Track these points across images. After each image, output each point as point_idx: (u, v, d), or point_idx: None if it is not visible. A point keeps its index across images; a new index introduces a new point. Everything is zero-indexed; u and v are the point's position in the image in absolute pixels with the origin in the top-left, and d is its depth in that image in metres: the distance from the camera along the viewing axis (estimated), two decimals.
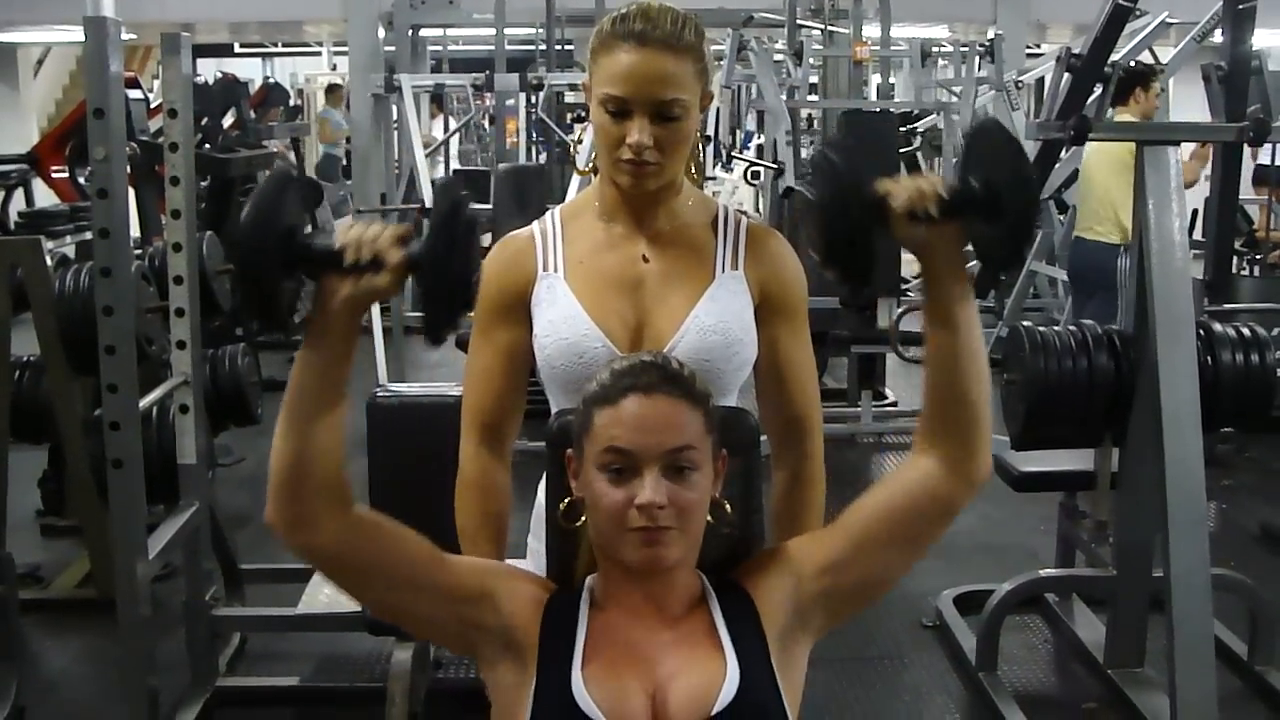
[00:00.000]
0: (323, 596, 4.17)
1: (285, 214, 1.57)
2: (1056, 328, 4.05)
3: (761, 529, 2.00)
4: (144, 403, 3.38)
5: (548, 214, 2.13)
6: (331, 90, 13.87)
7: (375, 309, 7.28)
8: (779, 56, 9.57)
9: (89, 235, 4.52)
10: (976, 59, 8.31)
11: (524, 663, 1.73)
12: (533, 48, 12.01)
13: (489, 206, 7.82)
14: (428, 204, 8.09)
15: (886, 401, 7.61)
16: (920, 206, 1.64)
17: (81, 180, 8.61)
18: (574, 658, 1.69)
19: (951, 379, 1.73)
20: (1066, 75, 4.05)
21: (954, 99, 8.49)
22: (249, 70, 17.36)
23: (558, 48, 10.21)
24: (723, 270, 2.05)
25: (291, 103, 14.23)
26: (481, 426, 2.10)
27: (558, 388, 2.04)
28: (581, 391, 1.79)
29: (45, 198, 10.09)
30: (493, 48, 9.67)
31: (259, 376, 4.80)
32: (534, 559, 2.12)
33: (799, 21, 8.58)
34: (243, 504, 5.84)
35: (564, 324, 2.01)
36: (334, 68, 17.36)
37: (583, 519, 1.79)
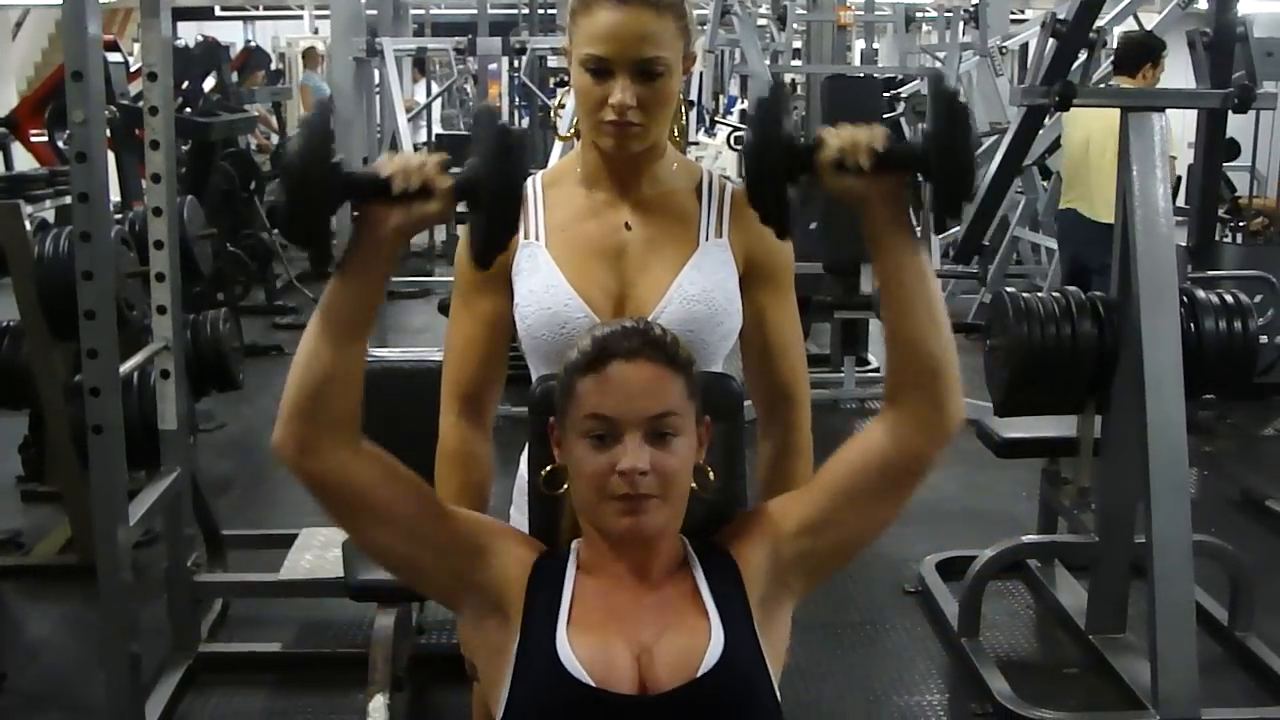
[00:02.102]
0: (305, 562, 4.17)
1: (332, 146, 1.56)
2: (1040, 294, 4.05)
3: (744, 495, 1.98)
4: (124, 368, 3.36)
5: (528, 180, 2.09)
6: (309, 54, 13.76)
7: None
8: (762, 21, 9.53)
9: (68, 200, 4.49)
10: (961, 24, 8.27)
11: (509, 622, 1.72)
12: (515, 11, 11.94)
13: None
14: None
15: (869, 367, 7.61)
16: (851, 158, 1.61)
17: (60, 144, 8.53)
18: (559, 618, 1.69)
19: (909, 333, 1.70)
20: (1051, 41, 4.02)
21: (938, 65, 8.47)
22: (230, 34, 17.24)
23: (540, 12, 10.15)
24: (707, 238, 2.03)
25: (273, 67, 14.13)
26: (462, 396, 2.09)
27: (539, 357, 2.02)
28: (563, 358, 1.77)
29: (24, 161, 10.02)
30: (475, 11, 9.61)
31: (240, 342, 4.78)
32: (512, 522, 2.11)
33: None
34: (225, 470, 5.84)
35: (545, 293, 1.99)
36: (315, 31, 17.25)
37: (565, 486, 1.78)
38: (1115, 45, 6.62)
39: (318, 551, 4.23)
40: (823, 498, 1.79)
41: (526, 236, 2.03)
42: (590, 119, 1.95)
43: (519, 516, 2.08)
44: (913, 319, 1.70)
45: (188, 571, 3.98)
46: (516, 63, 9.06)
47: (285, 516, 5.22)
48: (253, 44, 15.05)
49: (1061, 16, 4.05)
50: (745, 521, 1.85)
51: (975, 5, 8.19)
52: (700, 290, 1.99)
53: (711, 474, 1.81)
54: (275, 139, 11.29)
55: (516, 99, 10.18)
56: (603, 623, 1.70)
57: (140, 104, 3.97)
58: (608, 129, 1.93)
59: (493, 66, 9.22)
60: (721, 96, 11.96)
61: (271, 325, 8.91)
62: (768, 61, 7.82)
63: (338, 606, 4.20)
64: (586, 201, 2.05)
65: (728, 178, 2.13)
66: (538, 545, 1.84)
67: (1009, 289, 4.20)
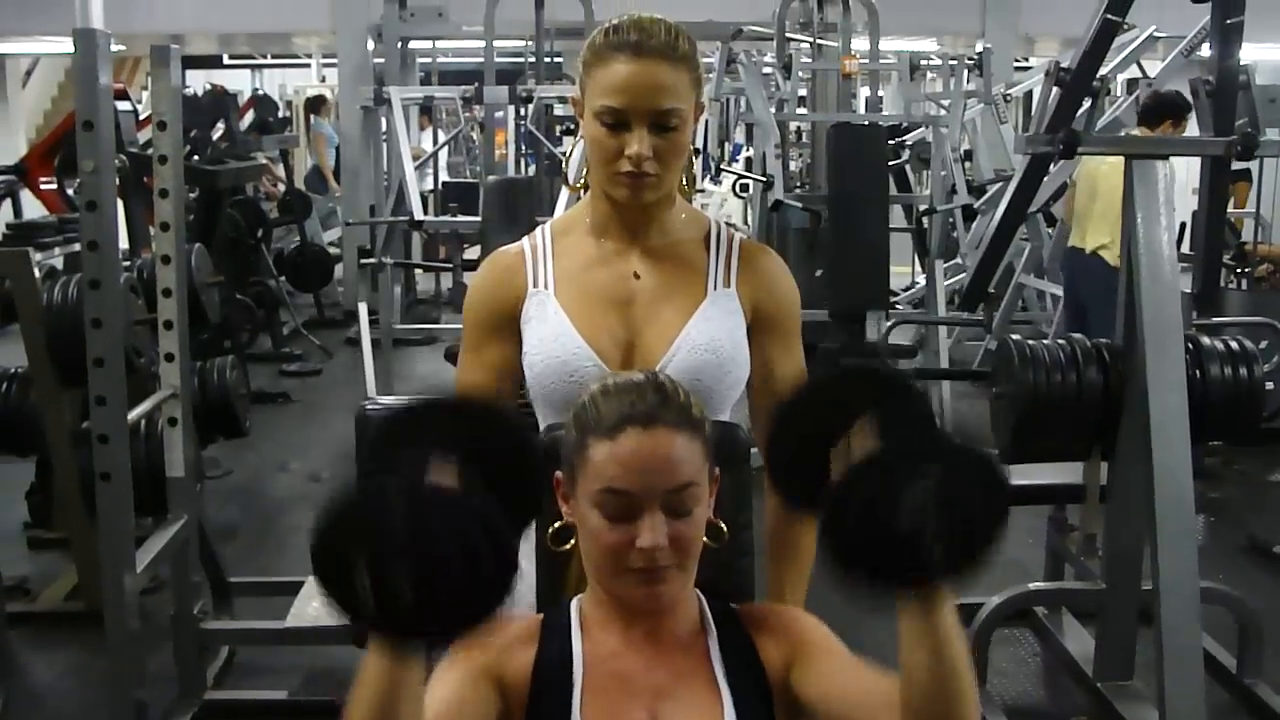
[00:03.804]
0: (311, 610, 4.16)
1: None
2: (1045, 341, 4.06)
3: (751, 545, 1.98)
4: (132, 415, 3.37)
5: (538, 229, 2.11)
6: (318, 102, 13.83)
7: (364, 320, 7.30)
8: (768, 70, 9.57)
9: (77, 247, 4.51)
10: (965, 72, 8.32)
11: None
12: (522, 60, 12.01)
13: (478, 219, 7.83)
14: (417, 216, 8.10)
15: None
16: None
17: (70, 192, 8.58)
18: (572, 699, 1.64)
19: (926, 702, 1.54)
20: (1056, 89, 4.05)
21: (942, 112, 8.51)
22: (237, 82, 17.36)
23: (547, 60, 10.20)
24: (715, 288, 2.04)
25: (280, 114, 14.21)
26: None
27: (547, 406, 2.03)
28: (572, 408, 1.74)
29: (33, 209, 10.08)
30: (482, 60, 9.67)
31: (248, 389, 4.80)
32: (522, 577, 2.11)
33: (788, 35, 8.58)
34: (231, 517, 5.84)
35: (554, 342, 1.99)
36: (323, 80, 17.35)
37: (572, 543, 1.75)
38: (1141, 96, 6.71)
39: (321, 599, 4.22)
40: (835, 697, 1.69)
41: (536, 285, 2.04)
42: (604, 170, 1.96)
43: (528, 566, 2.08)
44: (935, 686, 1.54)
45: (194, 619, 3.97)
46: (523, 111, 9.10)
47: (291, 564, 5.23)
48: (260, 92, 15.13)
49: (1065, 65, 4.08)
50: (773, 617, 1.80)
51: (979, 53, 8.24)
52: (708, 339, 2.00)
53: (725, 530, 1.77)
54: (282, 187, 11.34)
55: (523, 147, 10.23)
56: (615, 696, 1.66)
57: (149, 152, 4.00)
58: (623, 180, 1.94)
59: (499, 114, 9.27)
60: (727, 144, 12.01)
61: (278, 372, 8.93)
62: (773, 109, 7.85)
63: (343, 654, 4.16)
64: (596, 250, 2.06)
65: (734, 226, 2.14)
66: (530, 632, 1.75)
67: (1014, 336, 4.21)
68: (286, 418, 7.82)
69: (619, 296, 2.02)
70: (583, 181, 2.11)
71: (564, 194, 6.57)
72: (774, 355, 2.08)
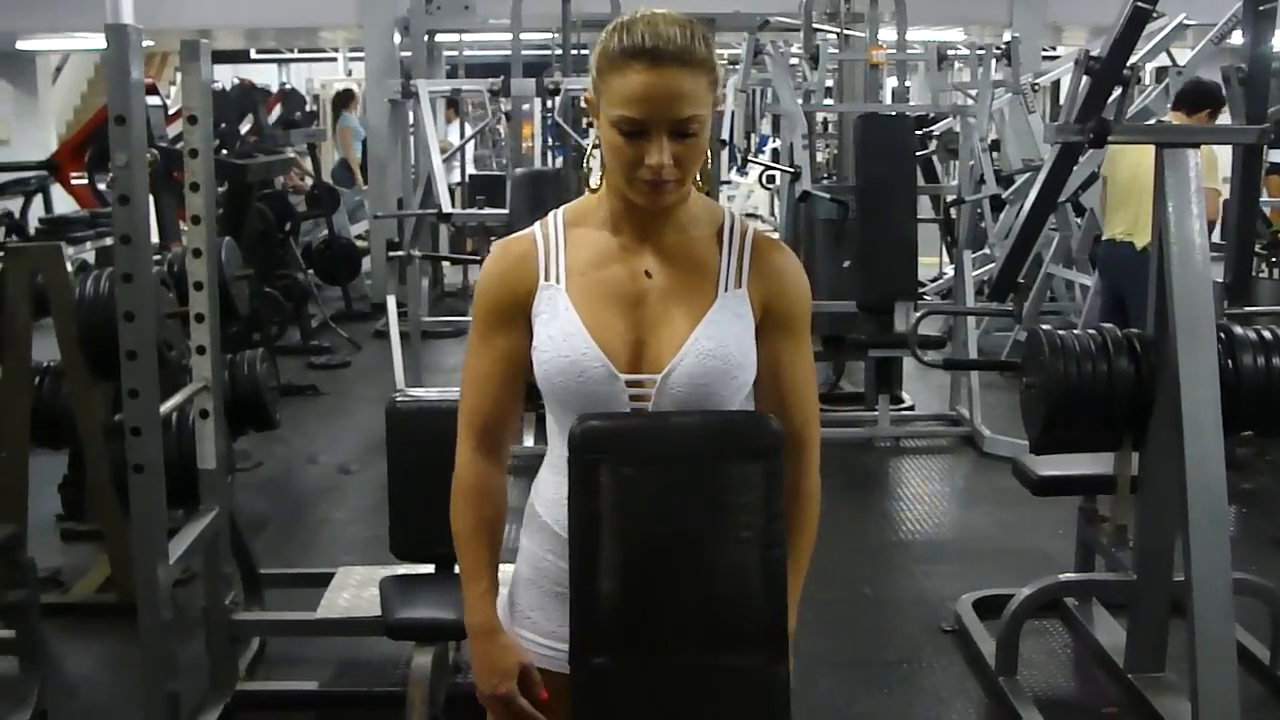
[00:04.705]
0: (341, 601, 4.18)
1: None
2: (1075, 331, 4.04)
3: (782, 536, 1.97)
4: (164, 408, 3.39)
5: (550, 217, 2.09)
6: (345, 96, 13.86)
7: (393, 312, 7.30)
8: (795, 60, 9.55)
9: (109, 241, 4.53)
10: (992, 62, 8.28)
11: None
12: (548, 52, 12.01)
13: (505, 211, 7.83)
14: (445, 209, 8.11)
15: (904, 405, 7.61)
16: None
17: (101, 186, 8.64)
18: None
19: None
20: (1085, 78, 4.03)
21: (970, 102, 8.47)
22: (264, 76, 17.39)
23: (573, 52, 10.20)
24: (725, 289, 2.02)
25: (307, 108, 14.25)
26: (479, 431, 2.09)
27: (555, 401, 2.02)
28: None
29: (65, 204, 10.14)
30: (509, 53, 9.67)
31: (277, 381, 4.82)
32: (524, 557, 2.12)
33: (815, 25, 8.55)
34: (262, 509, 5.87)
35: (564, 340, 1.98)
36: (349, 73, 17.39)
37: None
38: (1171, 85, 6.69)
39: (354, 590, 4.24)
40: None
41: (547, 278, 2.03)
42: (623, 175, 1.94)
43: (529, 543, 2.09)
44: None
45: (226, 610, 3.99)
46: (550, 103, 9.10)
47: (321, 555, 5.26)
48: (288, 86, 15.18)
49: (1095, 53, 4.06)
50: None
51: (1007, 43, 8.20)
52: (716, 344, 1.98)
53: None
54: (309, 181, 11.39)
55: (550, 139, 10.23)
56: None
57: (179, 146, 4.01)
58: (643, 187, 1.93)
59: (526, 107, 9.26)
60: (754, 135, 11.99)
61: (307, 365, 8.96)
62: (800, 100, 7.83)
63: (375, 645, 4.21)
64: (608, 245, 2.04)
65: (759, 218, 2.13)
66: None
67: (1044, 326, 4.19)
68: (315, 410, 7.84)
69: (630, 295, 2.01)
70: (600, 181, 2.09)
71: (587, 194, 6.60)
72: (782, 352, 2.06)
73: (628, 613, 1.93)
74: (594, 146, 2.05)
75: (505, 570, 2.10)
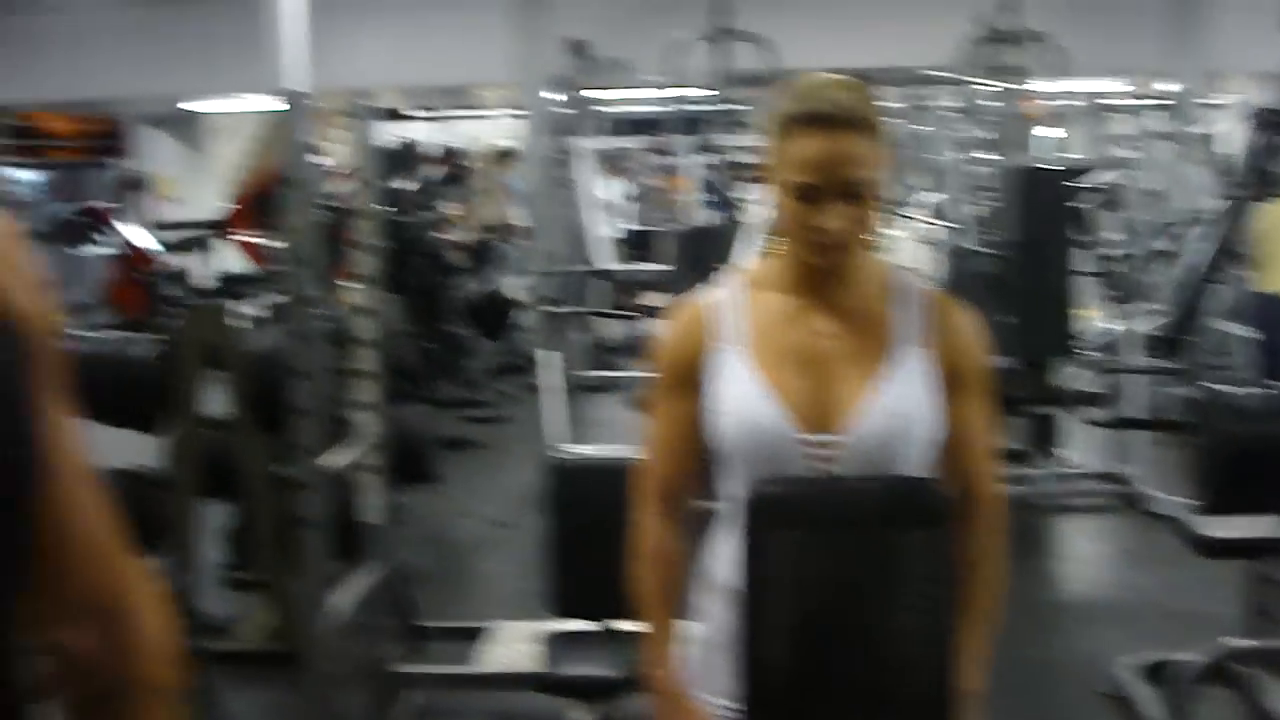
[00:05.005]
0: (498, 655, 4.22)
1: None
2: (1246, 388, 3.94)
3: (951, 602, 1.95)
4: (333, 464, 3.46)
5: (728, 279, 2.12)
6: (504, 155, 14.08)
7: (547, 367, 7.38)
8: (950, 114, 9.49)
9: (279, 298, 4.66)
10: (1154, 112, 8.14)
11: None
12: (705, 108, 12.10)
13: (663, 267, 7.89)
14: (599, 265, 8.19)
15: (1064, 463, 7.47)
16: None
17: (269, 244, 8.87)
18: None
19: None
20: (1261, 132, 3.96)
21: (1131, 153, 8.32)
22: (420, 133, 17.73)
23: (728, 108, 10.25)
24: (903, 346, 2.02)
25: (464, 165, 14.49)
26: (659, 495, 2.11)
27: (736, 462, 2.02)
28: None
29: (233, 261, 10.44)
30: (666, 109, 9.75)
31: (438, 436, 4.89)
32: (701, 617, 2.12)
33: (971, 78, 8.49)
34: (423, 562, 5.94)
35: (742, 400, 1.99)
36: (505, 131, 17.64)
37: None
38: None
39: (509, 644, 4.28)
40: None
41: (724, 340, 2.04)
42: (799, 237, 1.96)
43: (707, 605, 2.09)
44: None
45: (386, 662, 4.06)
46: (706, 159, 9.15)
47: (477, 608, 5.31)
48: (445, 144, 15.46)
49: (1269, 107, 3.99)
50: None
51: (1170, 93, 8.06)
52: (897, 402, 1.98)
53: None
54: (467, 236, 11.58)
55: (707, 194, 10.28)
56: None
57: (340, 204, 4.12)
58: (819, 249, 1.94)
59: (682, 163, 9.33)
60: (908, 188, 11.90)
61: (464, 419, 9.08)
62: (956, 153, 7.77)
63: (531, 700, 4.22)
64: (786, 307, 2.04)
65: (921, 274, 2.13)
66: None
67: (1213, 384, 4.09)
68: (471, 464, 7.94)
69: (810, 356, 2.01)
70: (773, 239, 2.10)
71: (746, 245, 6.61)
72: (961, 410, 2.05)
73: (797, 677, 1.94)
74: (762, 207, 2.07)
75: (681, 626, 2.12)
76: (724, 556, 2.06)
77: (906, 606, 1.92)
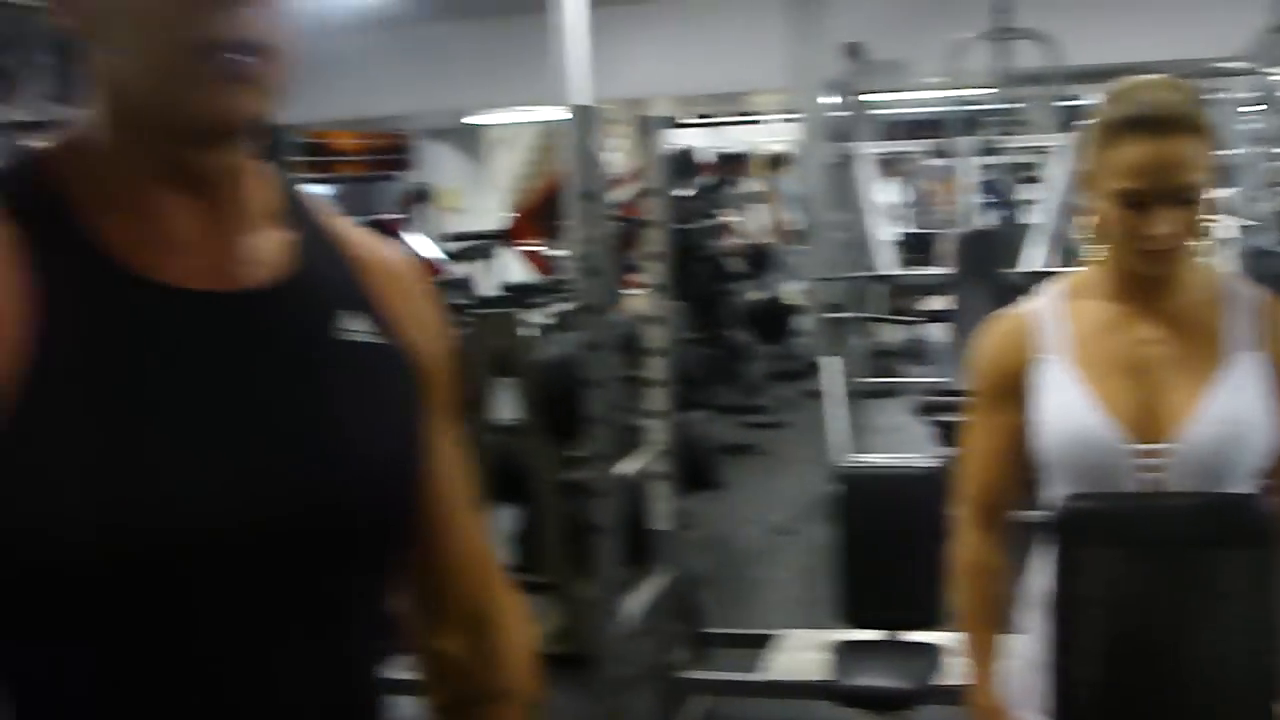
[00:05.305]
0: (784, 662, 4.20)
1: None
2: None
3: (1272, 627, 1.86)
4: (624, 472, 3.51)
5: (1047, 288, 2.07)
6: (779, 159, 14.09)
7: (830, 373, 7.34)
8: (1246, 107, 9.07)
9: (567, 306, 4.75)
10: None
11: None
12: (982, 107, 11.87)
13: (945, 271, 7.77)
14: (882, 270, 8.11)
15: None
16: None
17: (554, 253, 9.07)
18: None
19: None
20: None
21: None
22: (695, 139, 17.87)
23: (1009, 107, 10.03)
24: (1235, 352, 1.93)
25: (740, 171, 14.56)
26: (979, 508, 2.08)
27: (1062, 474, 1.97)
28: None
29: (515, 269, 10.72)
30: (939, 109, 9.60)
31: (721, 443, 4.91)
32: (1024, 634, 2.08)
33: (1267, 69, 8.09)
34: (706, 568, 5.97)
35: (1068, 411, 1.94)
36: (779, 136, 17.65)
37: None
38: None
39: (795, 652, 4.26)
40: None
41: (1045, 350, 1.99)
42: (1125, 245, 1.90)
43: (1030, 622, 2.04)
44: None
45: (673, 667, 4.09)
46: (986, 161, 8.98)
47: (761, 615, 5.31)
48: (722, 151, 15.56)
49: None
50: None
51: None
52: (1230, 410, 1.90)
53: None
54: (744, 242, 11.63)
55: (986, 197, 10.09)
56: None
57: (620, 212, 4.17)
58: (1147, 256, 1.89)
59: (961, 165, 9.18)
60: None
61: (743, 424, 9.11)
62: (1250, 147, 7.42)
63: (820, 709, 4.19)
64: (1110, 315, 1.99)
65: (1247, 280, 2.03)
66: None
67: None
68: (751, 469, 7.95)
69: (1135, 364, 1.95)
70: (1094, 247, 2.04)
71: (1034, 248, 6.45)
72: None
73: (1110, 699, 1.88)
74: (1082, 214, 2.01)
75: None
76: (1044, 571, 2.01)
77: (1226, 630, 1.84)
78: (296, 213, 1.17)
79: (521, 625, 1.38)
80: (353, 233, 1.23)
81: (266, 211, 1.14)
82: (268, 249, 1.12)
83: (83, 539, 0.96)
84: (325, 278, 1.16)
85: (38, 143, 1.10)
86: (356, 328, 1.14)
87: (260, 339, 1.09)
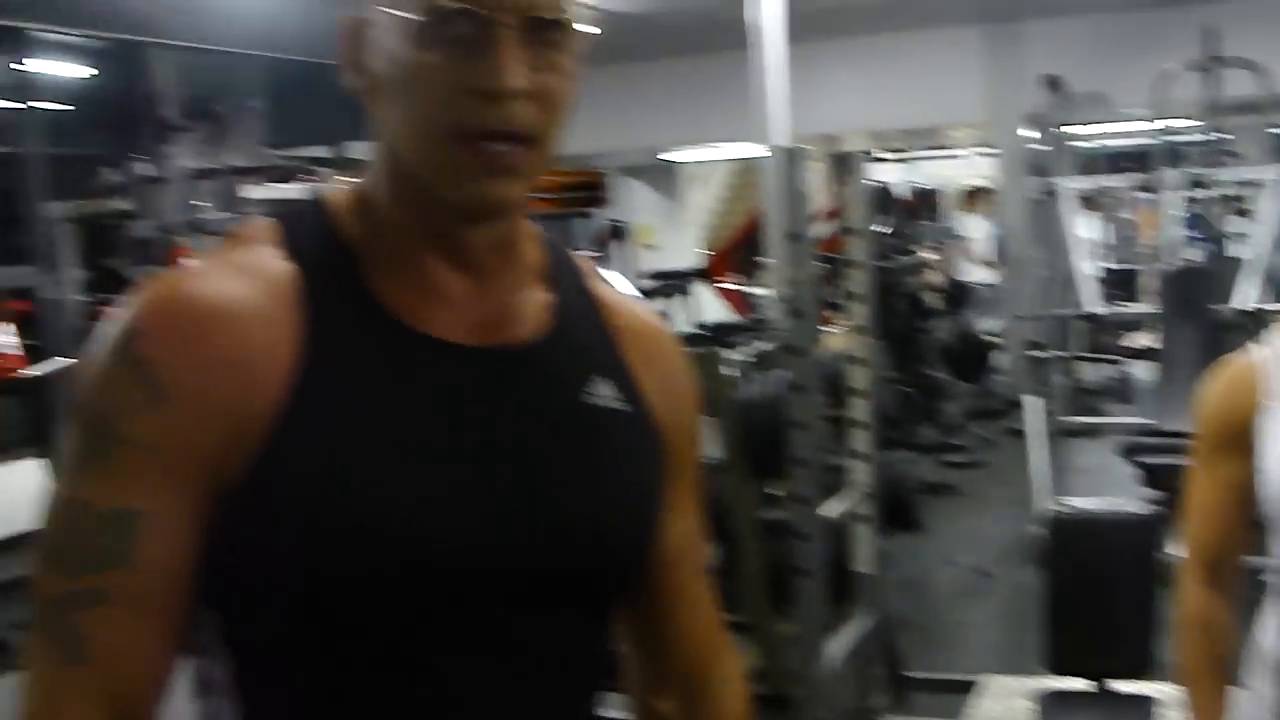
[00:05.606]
0: (988, 710, 4.13)
1: None
2: None
3: None
4: (829, 514, 3.50)
5: (1277, 335, 1.99)
6: (977, 194, 13.90)
7: (1032, 413, 7.20)
8: None
9: (767, 346, 4.76)
10: None
11: None
12: (1190, 139, 11.56)
13: (1148, 309, 7.58)
14: (1087, 309, 7.95)
15: None
16: None
17: (753, 291, 9.09)
18: None
19: None
20: None
21: None
22: (887, 174, 17.73)
23: (1217, 138, 9.74)
24: None
25: (936, 206, 14.42)
26: (1203, 563, 2.02)
27: None
28: None
29: (710, 308, 10.75)
30: (1140, 142, 9.36)
31: (922, 483, 4.86)
32: (1248, 696, 2.01)
33: None
34: (906, 610, 5.91)
35: None
36: (975, 170, 17.42)
37: None
38: None
39: (998, 699, 4.18)
40: None
41: (1274, 398, 1.93)
42: None
43: (1254, 683, 1.97)
44: None
45: (873, 711, 4.05)
46: (1192, 195, 8.72)
47: (960, 659, 5.22)
48: (919, 187, 15.41)
49: None
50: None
51: None
52: None
53: None
54: (941, 278, 11.49)
55: (1192, 231, 9.80)
56: None
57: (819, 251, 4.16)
58: None
59: (1167, 199, 8.93)
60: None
61: (942, 464, 8.97)
62: None
63: None
64: None
65: None
66: None
67: None
68: (950, 510, 7.83)
69: None
70: None
71: (1241, 285, 6.26)
72: None
73: None
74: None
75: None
76: (1272, 628, 1.95)
77: None
78: (559, 274, 1.22)
79: (737, 686, 1.39)
80: (614, 297, 1.27)
81: (531, 271, 1.19)
82: (529, 309, 1.18)
83: (390, 546, 1.04)
84: (580, 341, 1.21)
85: (326, 185, 1.18)
86: (605, 393, 1.19)
87: (511, 392, 1.14)
